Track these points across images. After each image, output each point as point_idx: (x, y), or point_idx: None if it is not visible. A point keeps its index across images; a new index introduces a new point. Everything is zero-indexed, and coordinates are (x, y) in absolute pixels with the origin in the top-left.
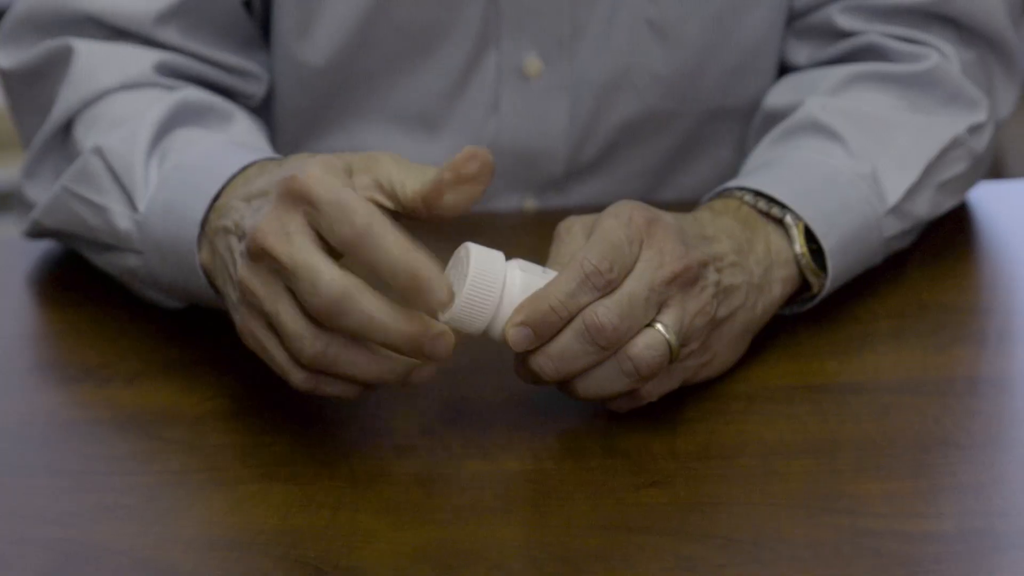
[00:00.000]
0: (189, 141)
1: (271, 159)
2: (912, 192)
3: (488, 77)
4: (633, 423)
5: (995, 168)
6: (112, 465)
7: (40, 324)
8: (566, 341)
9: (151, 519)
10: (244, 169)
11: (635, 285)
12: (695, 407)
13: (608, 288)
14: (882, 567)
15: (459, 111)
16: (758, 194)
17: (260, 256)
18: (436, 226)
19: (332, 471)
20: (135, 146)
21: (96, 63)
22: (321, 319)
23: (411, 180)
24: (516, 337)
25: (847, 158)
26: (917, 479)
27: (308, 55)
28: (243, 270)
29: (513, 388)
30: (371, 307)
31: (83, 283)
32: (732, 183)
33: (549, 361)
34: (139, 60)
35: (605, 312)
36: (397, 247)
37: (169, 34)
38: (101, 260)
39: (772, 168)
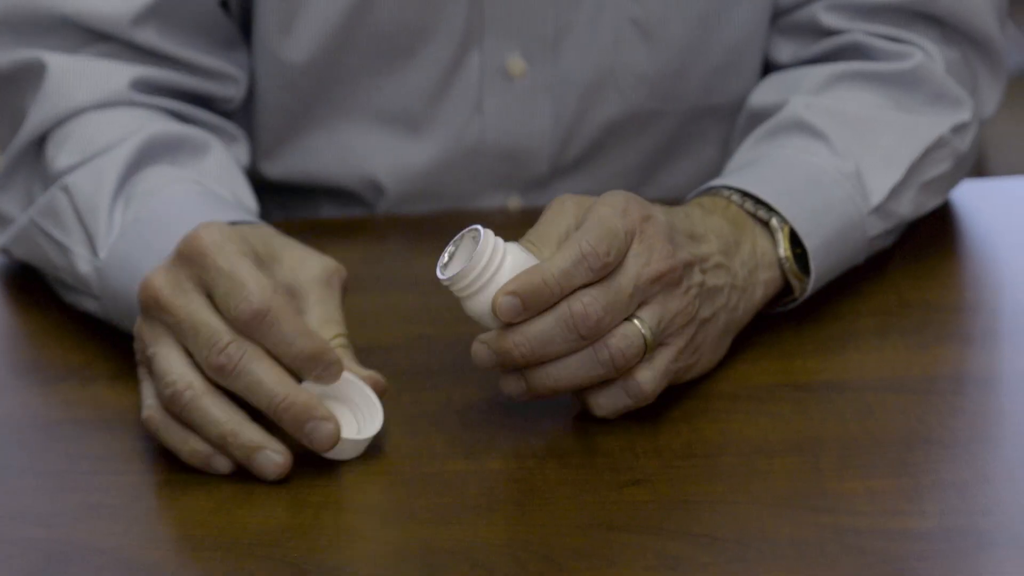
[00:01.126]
0: (152, 190)
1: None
2: (896, 192)
3: (472, 77)
4: (615, 422)
5: (978, 166)
6: (96, 465)
7: (22, 324)
8: (546, 324)
9: (135, 519)
10: None
11: (622, 279)
12: (678, 406)
13: (604, 271)
14: (865, 565)
15: (443, 111)
16: (744, 194)
17: (151, 308)
18: (423, 226)
19: (315, 470)
20: (101, 188)
21: (71, 78)
22: (214, 376)
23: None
24: (504, 305)
25: (831, 157)
26: (900, 477)
27: (290, 53)
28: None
29: (496, 388)
30: (259, 369)
31: None
32: (718, 181)
33: (525, 341)
34: (114, 76)
35: (591, 302)
36: (296, 329)
37: (146, 35)
38: (68, 298)
39: (757, 167)
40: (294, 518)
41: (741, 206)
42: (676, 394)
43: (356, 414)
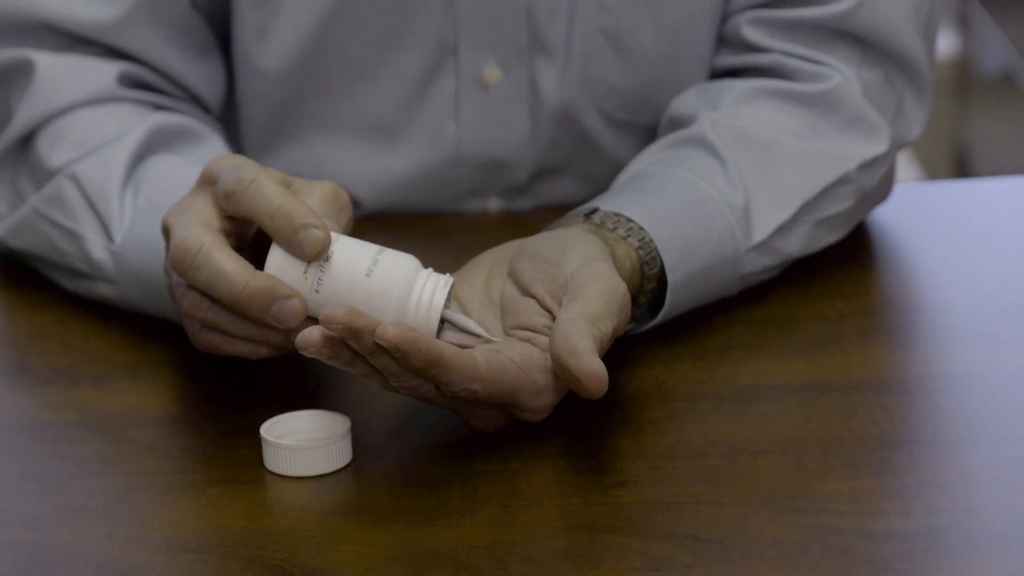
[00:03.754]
0: (161, 175)
1: None
2: (784, 229)
3: (448, 86)
4: (600, 424)
5: (961, 167)
6: (80, 467)
7: (7, 326)
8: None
9: (118, 521)
10: None
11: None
12: (662, 407)
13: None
14: (849, 565)
15: (419, 121)
16: (642, 244)
17: (164, 233)
18: (405, 226)
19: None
20: (110, 176)
21: (59, 76)
22: (178, 272)
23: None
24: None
25: (724, 184)
26: (883, 477)
27: (265, 61)
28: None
29: None
30: (222, 260)
31: (50, 284)
32: (612, 205)
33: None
34: (101, 72)
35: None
36: (276, 194)
37: (125, 41)
38: (72, 285)
39: (646, 188)
40: (278, 520)
41: (626, 239)
42: (660, 395)
43: (321, 432)
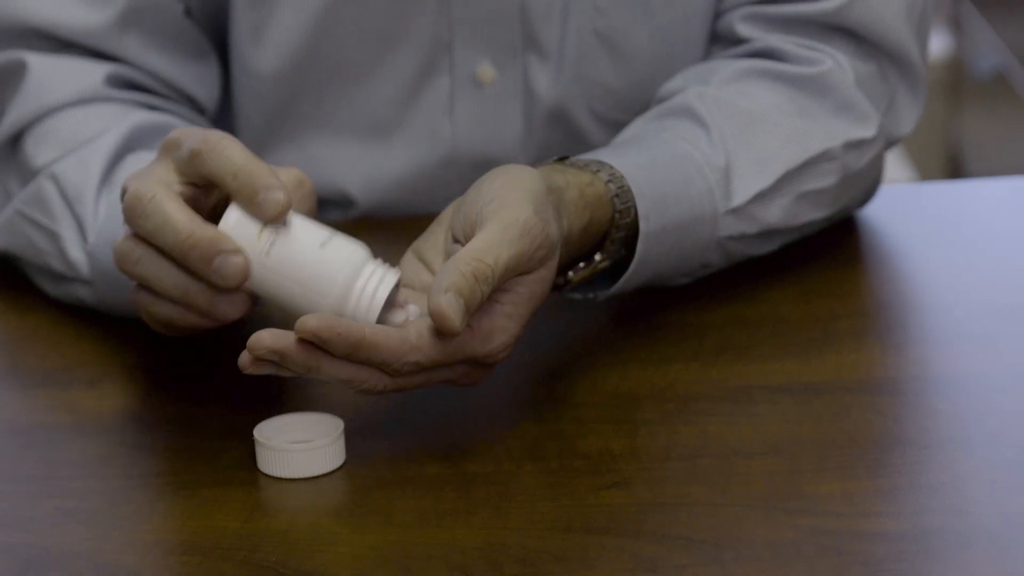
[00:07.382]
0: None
1: None
2: (763, 197)
3: (442, 85)
4: (594, 425)
5: (954, 168)
6: (73, 469)
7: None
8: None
9: (112, 524)
10: None
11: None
12: (655, 408)
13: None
14: (842, 566)
15: (414, 119)
16: (612, 178)
17: (121, 195)
18: (399, 228)
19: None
20: (88, 175)
21: (48, 77)
22: (128, 221)
23: None
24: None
25: (707, 147)
26: (877, 479)
27: (260, 62)
28: None
29: (474, 391)
30: (172, 209)
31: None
32: (594, 155)
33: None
34: (89, 73)
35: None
36: (241, 154)
37: (115, 46)
38: (54, 291)
39: (629, 145)
40: (272, 522)
41: (596, 172)
42: (653, 396)
43: (315, 433)
